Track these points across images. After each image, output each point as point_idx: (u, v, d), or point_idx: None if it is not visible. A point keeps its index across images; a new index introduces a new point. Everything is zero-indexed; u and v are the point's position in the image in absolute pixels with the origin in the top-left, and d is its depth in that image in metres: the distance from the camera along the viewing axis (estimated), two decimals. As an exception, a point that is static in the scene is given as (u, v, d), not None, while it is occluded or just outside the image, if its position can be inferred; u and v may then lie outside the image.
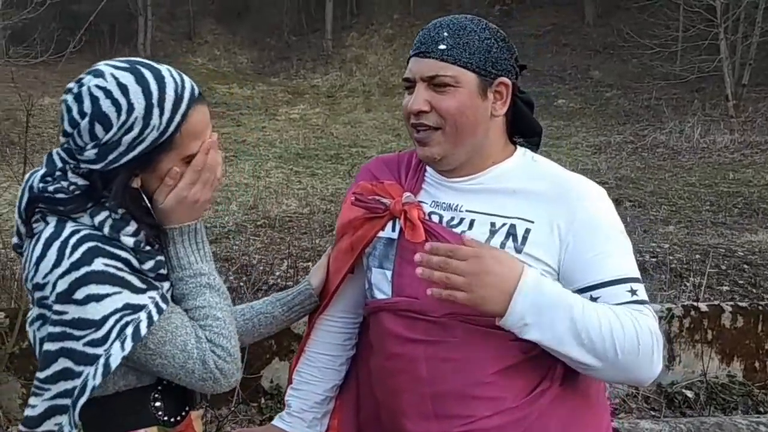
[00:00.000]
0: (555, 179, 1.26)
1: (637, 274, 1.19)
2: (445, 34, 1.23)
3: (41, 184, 1.08)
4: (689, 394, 2.21)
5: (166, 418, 1.15)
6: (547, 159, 1.32)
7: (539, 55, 19.02)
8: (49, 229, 1.06)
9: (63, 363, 1.03)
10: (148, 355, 1.06)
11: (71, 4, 15.02)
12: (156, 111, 1.05)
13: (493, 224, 1.23)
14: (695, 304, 2.30)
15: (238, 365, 1.12)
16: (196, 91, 1.11)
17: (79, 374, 1.01)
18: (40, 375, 1.05)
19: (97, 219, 1.06)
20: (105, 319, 1.01)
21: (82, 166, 1.07)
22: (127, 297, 1.03)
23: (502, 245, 1.20)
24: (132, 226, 1.08)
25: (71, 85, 1.07)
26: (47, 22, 15.25)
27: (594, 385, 1.28)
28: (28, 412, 1.06)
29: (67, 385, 1.03)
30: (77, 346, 1.02)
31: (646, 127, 14.42)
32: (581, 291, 1.17)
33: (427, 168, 1.33)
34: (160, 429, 1.14)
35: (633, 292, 1.16)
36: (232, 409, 2.07)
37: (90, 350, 1.01)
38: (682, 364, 2.28)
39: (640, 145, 13.20)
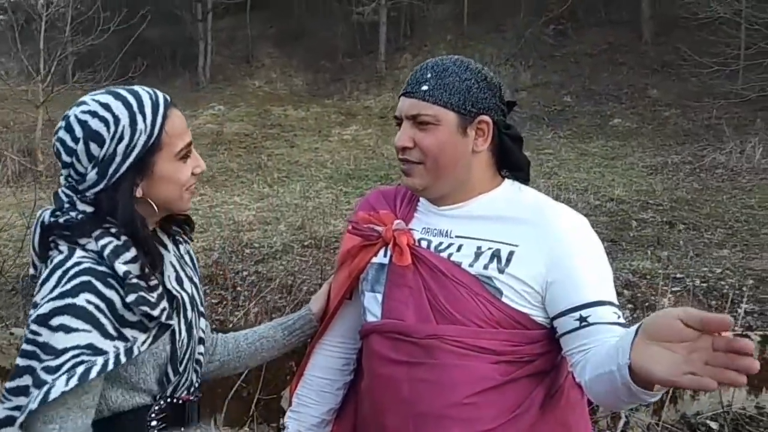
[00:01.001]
0: (539, 208, 1.32)
1: (615, 299, 1.25)
2: (429, 75, 1.31)
3: (52, 219, 1.18)
4: (713, 425, 2.14)
5: None
6: (533, 189, 1.39)
7: (595, 75, 18.78)
8: (60, 256, 1.14)
9: (26, 380, 1.09)
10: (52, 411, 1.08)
11: (135, 30, 15.65)
12: (139, 117, 1.16)
13: (479, 248, 1.29)
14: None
15: None
16: (168, 98, 1.23)
17: (30, 395, 1.07)
18: (7, 385, 1.12)
19: (101, 243, 1.14)
20: (65, 351, 1.07)
21: (88, 194, 1.17)
22: (93, 338, 1.09)
23: (485, 267, 1.26)
24: (131, 253, 1.15)
25: (59, 123, 1.18)
26: (112, 48, 15.93)
27: (575, 415, 1.31)
28: None
29: (20, 401, 1.10)
30: (38, 367, 1.08)
31: (705, 148, 14.02)
32: (571, 311, 1.21)
33: (420, 198, 1.40)
34: None
35: (618, 315, 1.21)
36: (253, 429, 2.12)
37: (43, 375, 1.07)
38: (708, 395, 2.20)
39: (698, 166, 12.84)
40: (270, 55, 21.56)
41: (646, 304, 5.39)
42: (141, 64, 14.47)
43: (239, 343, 1.46)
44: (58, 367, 1.06)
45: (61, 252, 1.16)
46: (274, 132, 16.52)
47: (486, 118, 1.31)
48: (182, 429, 1.25)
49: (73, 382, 1.05)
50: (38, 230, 1.20)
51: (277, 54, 21.57)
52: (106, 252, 1.13)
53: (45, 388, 1.05)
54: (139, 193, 1.18)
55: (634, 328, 1.02)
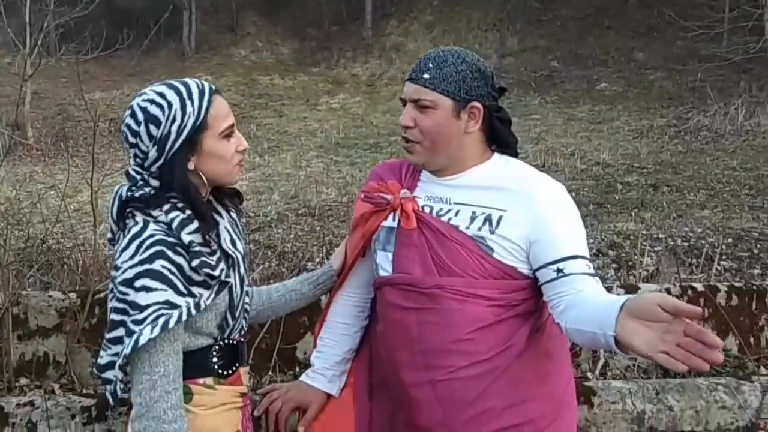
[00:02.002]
0: (523, 178, 1.55)
1: (587, 253, 1.49)
2: (430, 65, 1.53)
3: (129, 193, 1.41)
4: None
5: (220, 371, 1.46)
6: (519, 161, 1.61)
7: (581, 39, 18.81)
8: (136, 227, 1.36)
9: (120, 331, 1.35)
10: (143, 356, 1.33)
11: (119, 1, 15.53)
12: (188, 102, 1.39)
13: (473, 212, 1.52)
14: (692, 284, 2.45)
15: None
16: (213, 87, 1.46)
17: (123, 342, 1.32)
18: (107, 336, 1.38)
19: (170, 216, 1.37)
20: (148, 306, 1.31)
21: (152, 169, 1.40)
22: (169, 295, 1.32)
23: (479, 229, 1.50)
24: (194, 225, 1.38)
25: (126, 112, 1.41)
26: (96, 19, 15.80)
27: (556, 345, 1.57)
28: (99, 361, 1.40)
29: (117, 349, 1.35)
30: (127, 321, 1.32)
31: (689, 110, 14.19)
32: (550, 264, 1.46)
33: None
34: (215, 379, 1.46)
35: (588, 267, 1.45)
36: (274, 379, 2.35)
37: (132, 326, 1.31)
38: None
39: (683, 129, 13.04)
40: (255, 24, 21.43)
41: (630, 263, 5.61)
42: (126, 35, 14.40)
43: (271, 295, 1.71)
44: (144, 320, 1.30)
45: (137, 223, 1.37)
46: (262, 101, 16.55)
47: (477, 104, 1.52)
48: (237, 365, 1.50)
49: (156, 330, 1.29)
50: (116, 203, 1.42)
51: (262, 22, 21.43)
52: (174, 224, 1.36)
53: (135, 336, 1.29)
54: (191, 166, 1.40)
55: (617, 301, 1.24)
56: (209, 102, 1.41)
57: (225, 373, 1.47)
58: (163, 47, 19.53)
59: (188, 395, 1.41)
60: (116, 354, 1.35)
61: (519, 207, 1.50)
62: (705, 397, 1.91)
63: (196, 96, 1.40)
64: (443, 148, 1.53)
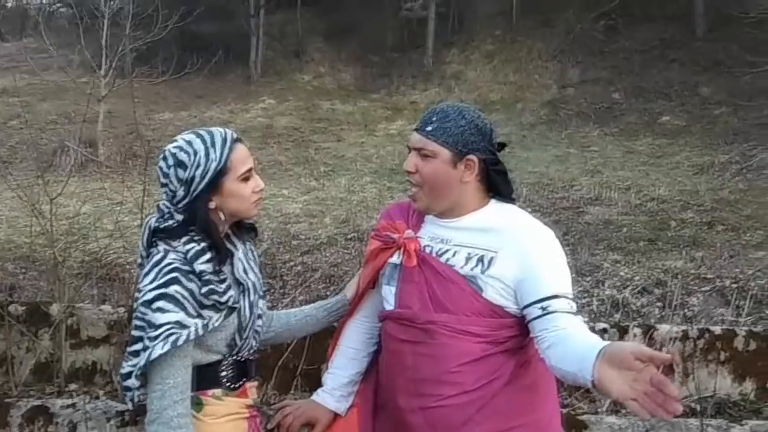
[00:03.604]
0: (515, 223, 1.71)
1: (571, 294, 1.62)
2: (434, 118, 1.71)
3: (156, 224, 1.62)
4: (697, 407, 2.37)
5: (228, 384, 1.65)
6: (515, 207, 1.76)
7: (644, 71, 18.54)
8: (158, 256, 1.58)
9: (138, 346, 1.55)
10: (159, 368, 1.52)
11: (190, 26, 16.21)
12: (211, 150, 1.60)
13: (469, 253, 1.68)
14: (709, 328, 2.47)
15: None
16: (235, 135, 1.66)
17: (140, 356, 1.52)
18: (128, 349, 1.58)
19: (187, 247, 1.57)
20: (161, 325, 1.50)
21: (179, 205, 1.60)
22: (181, 317, 1.52)
23: (472, 269, 1.66)
24: (207, 256, 1.57)
25: (159, 155, 1.64)
26: (169, 43, 16.53)
27: (542, 378, 1.69)
28: (121, 371, 1.60)
29: (136, 360, 1.55)
30: (144, 337, 1.52)
31: (754, 147, 13.79)
32: (535, 302, 1.59)
33: None
34: (223, 391, 1.64)
35: (571, 306, 1.59)
36: (295, 396, 2.50)
37: (148, 342, 1.50)
38: (695, 382, 2.45)
39: (746, 166, 12.69)
40: (319, 50, 21.97)
41: (675, 303, 5.54)
42: (196, 60, 15.02)
43: (289, 319, 1.91)
44: (157, 337, 1.50)
45: (159, 252, 1.59)
46: (321, 126, 16.92)
47: (473, 157, 1.69)
48: (244, 379, 1.68)
49: (167, 347, 1.49)
50: (146, 232, 1.64)
51: (326, 48, 21.95)
52: (189, 255, 1.57)
53: (149, 351, 1.49)
54: (212, 205, 1.61)
55: (595, 347, 1.35)
56: (230, 149, 1.61)
57: (233, 386, 1.65)
58: (230, 71, 20.23)
59: (199, 405, 1.60)
60: (135, 365, 1.54)
61: (509, 248, 1.64)
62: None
63: (219, 144, 1.60)
64: (442, 193, 1.70)
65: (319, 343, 2.51)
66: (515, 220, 1.71)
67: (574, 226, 8.37)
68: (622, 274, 6.54)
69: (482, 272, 1.63)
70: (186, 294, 1.52)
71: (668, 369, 1.27)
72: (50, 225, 2.83)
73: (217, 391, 1.63)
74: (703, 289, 5.88)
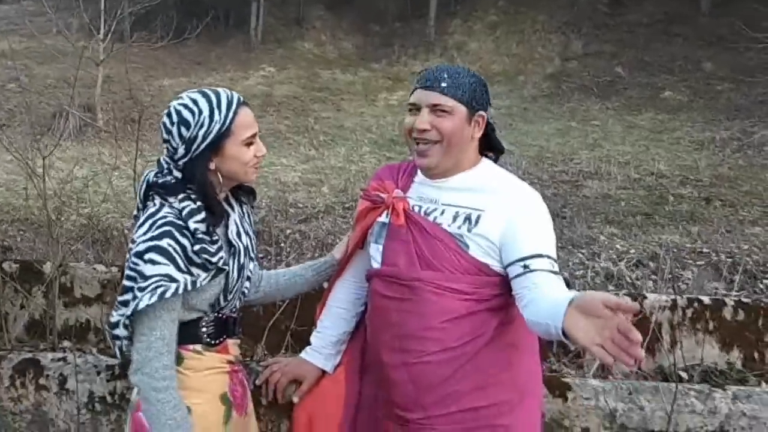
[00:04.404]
0: (503, 183, 1.73)
1: (554, 254, 1.64)
2: (445, 75, 1.70)
3: (154, 178, 1.63)
4: (684, 375, 2.40)
5: (209, 340, 1.67)
6: (502, 168, 1.79)
7: (648, 45, 18.41)
8: (153, 208, 1.58)
9: (128, 296, 1.55)
10: (145, 320, 1.54)
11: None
12: (216, 111, 1.58)
13: (456, 212, 1.70)
14: (699, 297, 2.49)
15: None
16: (242, 99, 1.64)
17: (129, 305, 1.54)
18: (119, 298, 1.59)
19: (183, 204, 1.57)
20: (151, 277, 1.52)
21: (179, 162, 1.60)
22: (171, 270, 1.53)
23: (459, 227, 1.68)
24: (202, 215, 1.57)
25: (165, 110, 1.64)
26: (168, 8, 16.36)
27: (523, 338, 1.73)
28: (110, 319, 1.61)
29: (125, 310, 1.56)
30: (134, 287, 1.53)
31: (756, 124, 13.74)
32: (518, 260, 1.61)
33: (417, 171, 1.82)
34: (203, 347, 1.67)
35: (553, 265, 1.61)
36: (286, 355, 2.53)
37: (137, 293, 1.52)
38: (683, 350, 2.47)
39: (747, 143, 12.64)
40: (320, 18, 21.74)
41: (669, 276, 5.57)
42: (195, 25, 14.87)
43: (279, 279, 1.91)
44: (146, 288, 1.51)
45: (155, 205, 1.60)
46: (321, 95, 16.82)
47: (483, 113, 1.73)
48: (224, 336, 1.70)
49: (155, 298, 1.50)
50: (144, 186, 1.64)
51: (327, 17, 21.73)
52: (185, 212, 1.57)
53: (137, 302, 1.51)
54: (212, 166, 1.62)
55: (567, 297, 1.38)
56: (235, 113, 1.61)
57: (213, 342, 1.68)
58: (230, 38, 20.05)
59: (180, 359, 1.61)
60: (123, 314, 1.56)
61: (496, 208, 1.66)
62: (676, 401, 1.98)
63: (224, 106, 1.60)
64: (455, 150, 1.71)
65: (310, 304, 2.52)
66: (503, 180, 1.73)
67: (572, 199, 8.35)
68: (618, 247, 6.56)
69: (469, 230, 1.66)
70: (178, 248, 1.53)
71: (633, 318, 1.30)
72: (42, 183, 2.83)
73: (198, 347, 1.65)
74: (698, 263, 5.90)
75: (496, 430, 1.67)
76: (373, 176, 1.92)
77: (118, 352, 1.59)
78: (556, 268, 1.62)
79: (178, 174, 1.60)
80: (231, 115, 1.58)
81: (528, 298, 1.56)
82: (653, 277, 5.93)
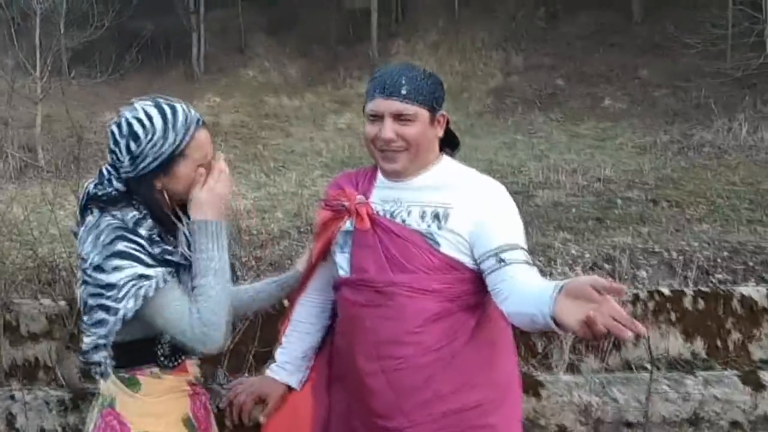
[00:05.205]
0: (468, 178, 1.71)
1: (525, 245, 1.61)
2: (403, 81, 1.65)
3: (94, 190, 1.50)
4: (649, 366, 2.42)
5: (165, 361, 1.54)
6: (462, 164, 1.77)
7: (586, 57, 18.90)
8: (92, 219, 1.47)
9: (100, 314, 1.44)
10: (154, 314, 1.44)
11: (128, 22, 15.81)
12: (171, 131, 1.47)
13: (423, 211, 1.66)
14: (659, 289, 2.52)
15: (221, 333, 1.46)
16: (200, 120, 1.53)
17: (108, 322, 1.42)
18: (87, 321, 1.47)
19: (126, 215, 1.46)
20: (124, 284, 1.41)
21: (122, 175, 1.48)
22: (139, 270, 1.42)
23: (428, 225, 1.64)
24: (149, 223, 1.47)
25: (115, 119, 1.51)
26: (106, 42, 16.09)
27: (501, 335, 1.71)
28: (82, 347, 1.49)
29: (101, 330, 1.44)
30: (105, 303, 1.42)
31: (693, 126, 14.23)
32: (490, 253, 1.57)
33: (378, 175, 1.76)
34: (160, 369, 1.54)
35: (527, 256, 1.58)
36: (248, 376, 2.44)
37: (113, 305, 1.41)
38: (649, 342, 2.49)
39: (687, 145, 13.05)
40: (263, 45, 21.70)
41: (625, 276, 5.64)
42: (136, 57, 14.66)
43: (241, 295, 1.82)
44: (123, 296, 1.41)
45: (93, 215, 1.48)
46: (269, 122, 16.72)
47: (444, 113, 1.70)
48: (182, 356, 1.57)
49: (140, 302, 1.40)
50: (84, 198, 1.52)
51: (270, 43, 21.70)
52: (130, 222, 1.46)
53: (120, 313, 1.40)
54: (158, 186, 1.50)
55: (553, 285, 1.36)
56: (192, 136, 1.49)
57: (170, 363, 1.56)
58: (172, 69, 19.81)
59: (135, 385, 1.51)
60: (99, 337, 1.44)
61: (464, 202, 1.64)
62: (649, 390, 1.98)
63: (180, 126, 1.48)
64: (423, 153, 1.68)
65: (272, 326, 2.45)
66: (466, 175, 1.72)
67: (524, 208, 8.42)
68: (573, 252, 6.63)
69: (439, 228, 1.63)
70: (137, 247, 1.43)
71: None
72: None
73: (154, 369, 1.54)
74: (651, 262, 6.00)
75: (483, 430, 1.64)
76: (330, 184, 1.87)
77: (101, 378, 1.49)
78: (530, 259, 1.59)
79: (119, 185, 1.48)
80: (187, 138, 1.46)
81: (507, 290, 1.52)
82: (610, 278, 5.99)
